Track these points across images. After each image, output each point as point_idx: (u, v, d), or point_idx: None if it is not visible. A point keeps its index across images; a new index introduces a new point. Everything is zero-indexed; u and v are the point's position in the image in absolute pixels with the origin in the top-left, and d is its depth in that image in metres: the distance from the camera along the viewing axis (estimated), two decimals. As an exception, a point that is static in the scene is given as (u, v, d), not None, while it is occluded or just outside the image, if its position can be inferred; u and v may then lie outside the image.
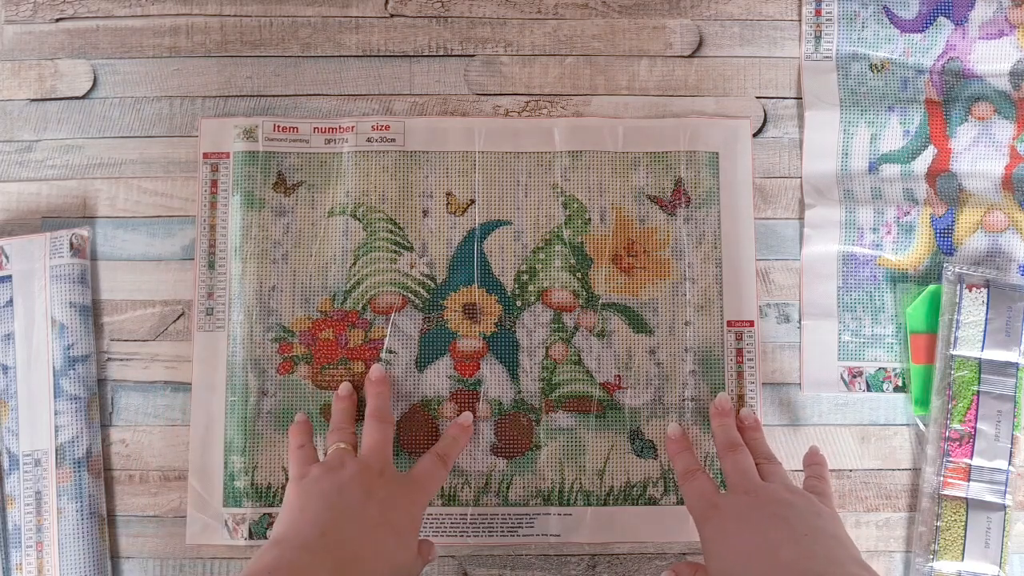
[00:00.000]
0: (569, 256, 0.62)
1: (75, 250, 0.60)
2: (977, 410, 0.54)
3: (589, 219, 0.62)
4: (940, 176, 0.56)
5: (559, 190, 0.62)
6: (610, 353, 0.61)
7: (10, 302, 0.60)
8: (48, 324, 0.59)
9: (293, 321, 0.61)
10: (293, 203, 0.61)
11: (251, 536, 0.59)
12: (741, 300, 0.61)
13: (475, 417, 0.61)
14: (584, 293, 0.62)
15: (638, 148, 0.62)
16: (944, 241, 0.56)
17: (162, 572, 0.58)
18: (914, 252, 0.56)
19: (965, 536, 0.55)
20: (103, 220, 0.62)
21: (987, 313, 0.53)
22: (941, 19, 0.55)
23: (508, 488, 0.60)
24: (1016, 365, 0.54)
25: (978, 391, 0.54)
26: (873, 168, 0.58)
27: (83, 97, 0.63)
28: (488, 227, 0.62)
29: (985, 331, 0.53)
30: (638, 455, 0.61)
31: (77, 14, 0.63)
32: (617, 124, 0.63)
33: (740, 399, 0.60)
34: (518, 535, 0.60)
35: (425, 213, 0.62)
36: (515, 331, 0.61)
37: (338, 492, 0.51)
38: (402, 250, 0.62)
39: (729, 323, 0.61)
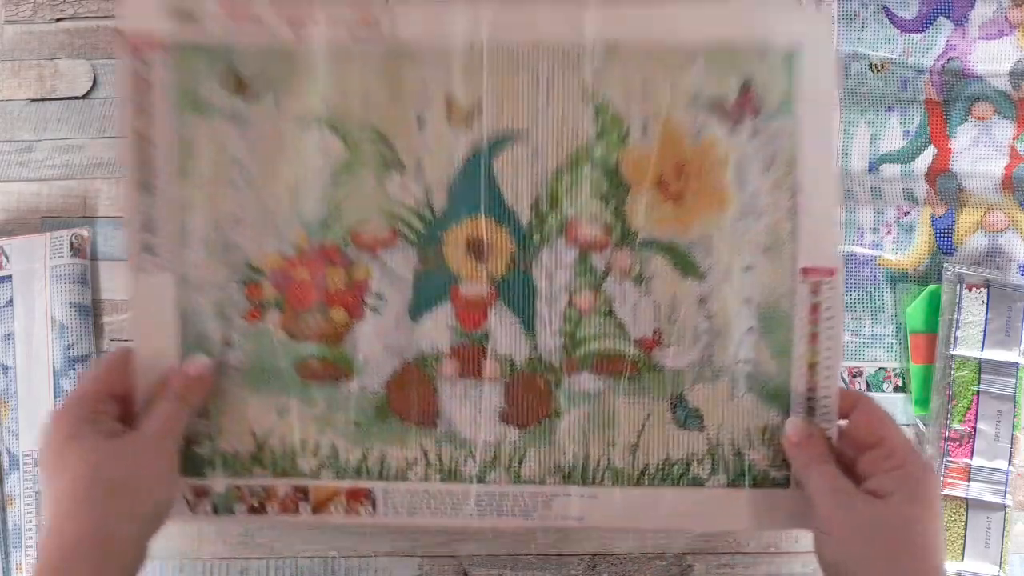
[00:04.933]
0: (601, 180, 0.49)
1: (75, 250, 0.60)
2: (977, 410, 0.54)
3: (627, 132, 0.48)
4: (940, 176, 0.56)
5: (589, 94, 0.48)
6: (649, 302, 0.49)
7: (10, 302, 0.60)
8: (48, 324, 0.60)
9: (263, 259, 0.50)
10: (252, 109, 0.49)
11: (216, 512, 0.51)
12: (820, 241, 0.48)
13: (480, 377, 0.50)
14: (618, 227, 0.49)
15: (695, 38, 0.48)
16: (944, 241, 0.56)
17: (162, 572, 0.58)
18: (914, 252, 0.56)
19: (965, 536, 0.56)
20: (103, 220, 0.61)
21: (987, 313, 0.54)
22: (941, 19, 0.55)
23: (521, 463, 0.50)
24: (1016, 365, 0.54)
25: (978, 391, 0.54)
26: (873, 168, 0.58)
27: (83, 97, 0.62)
28: (499, 142, 0.49)
29: (985, 331, 0.54)
30: (680, 426, 0.50)
31: (77, 14, 0.62)
32: (668, 7, 0.48)
33: (811, 368, 0.48)
34: (532, 518, 0.50)
35: (420, 124, 0.49)
36: (531, 274, 0.49)
37: None
38: (392, 171, 0.49)
39: (803, 271, 0.48)
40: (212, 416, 0.50)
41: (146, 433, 0.46)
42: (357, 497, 0.50)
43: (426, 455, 0.50)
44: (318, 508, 0.51)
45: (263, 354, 0.50)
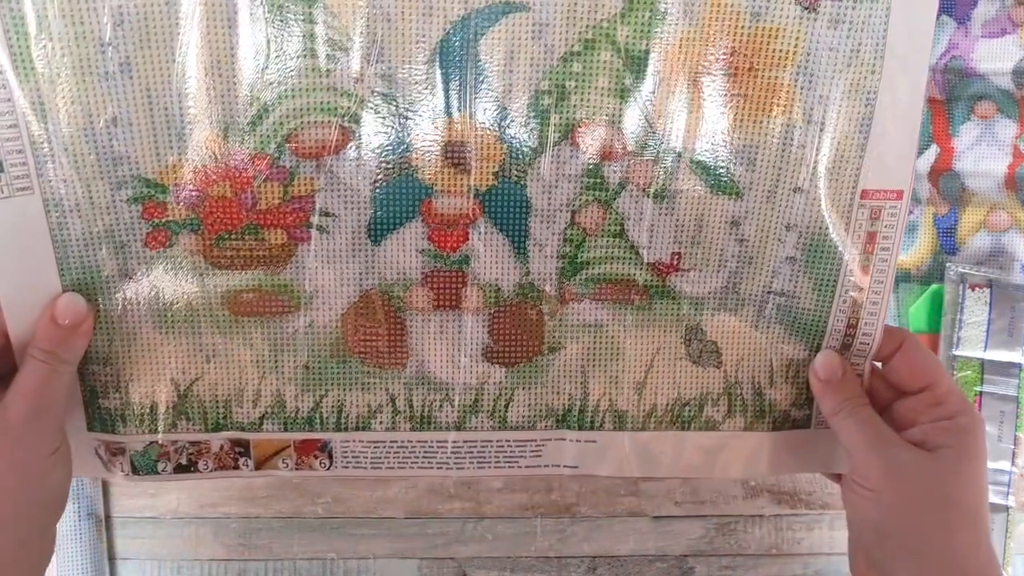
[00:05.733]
0: (622, 71, 0.37)
1: None
2: (980, 411, 0.53)
3: (664, 10, 0.36)
4: (943, 175, 0.55)
5: (615, -51, 0.35)
6: (670, 222, 0.40)
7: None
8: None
9: (161, 171, 0.37)
10: None
11: (135, 472, 0.41)
12: (893, 159, 0.38)
13: (459, 308, 0.41)
14: (641, 132, 0.38)
15: None
16: (947, 241, 0.56)
17: (160, 573, 0.55)
18: (916, 252, 0.56)
19: None
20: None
21: (990, 313, 0.54)
22: (943, 17, 0.54)
23: (507, 407, 0.42)
24: (1019, 365, 0.54)
25: (981, 391, 0.54)
26: None
27: None
28: (488, 14, 0.36)
29: (988, 331, 0.54)
30: (694, 362, 0.42)
31: None
32: None
33: (855, 304, 0.41)
34: (519, 466, 0.43)
35: (377, -17, 0.35)
36: (525, 184, 0.39)
37: None
38: (338, 52, 0.36)
39: (864, 192, 0.39)
40: (115, 362, 0.39)
41: (9, 408, 0.36)
42: (309, 450, 0.42)
43: (393, 401, 0.42)
44: (262, 463, 0.42)
45: (179, 287, 0.39)
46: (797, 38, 0.36)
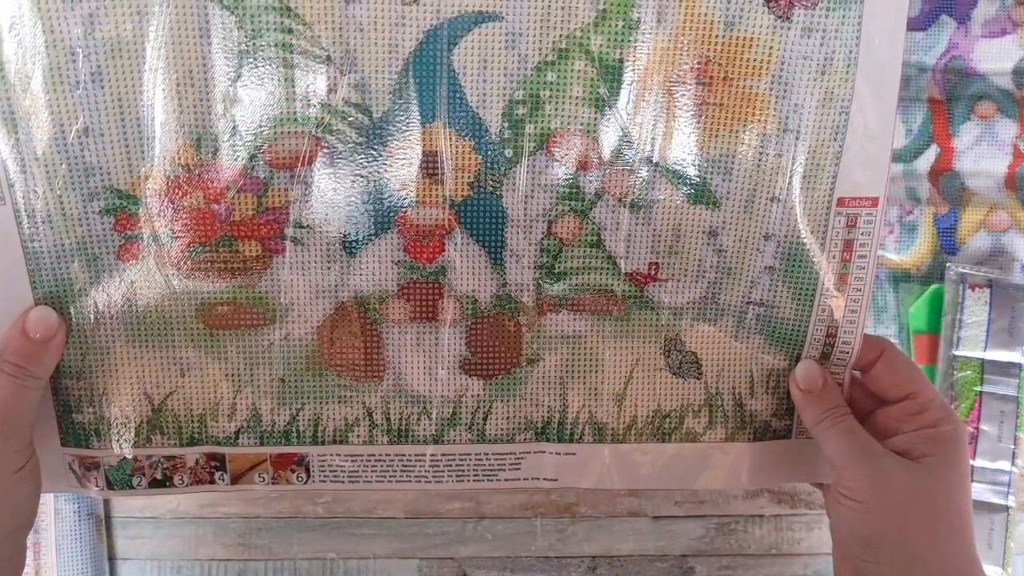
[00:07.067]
0: (597, 80, 0.37)
1: None
2: (980, 411, 0.53)
3: (638, 19, 0.36)
4: (943, 175, 0.55)
5: (587, -42, 0.35)
6: (647, 233, 0.40)
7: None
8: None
9: (133, 182, 0.37)
10: None
11: (110, 486, 0.41)
12: (867, 166, 0.38)
13: (436, 320, 0.40)
14: (617, 142, 0.38)
15: None
16: (947, 241, 0.56)
17: (160, 573, 0.56)
18: (917, 252, 0.56)
19: None
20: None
21: (990, 313, 0.54)
22: (944, 17, 0.54)
23: (486, 419, 0.42)
24: (1019, 365, 0.54)
25: (981, 391, 0.54)
26: None
27: None
28: (462, 24, 0.36)
29: (988, 331, 0.54)
30: (674, 373, 0.42)
31: None
32: None
33: (834, 313, 0.40)
34: (499, 479, 0.43)
35: (349, -4, 0.35)
36: (500, 195, 0.39)
37: None
38: (313, 63, 0.36)
39: (840, 200, 0.39)
40: (88, 376, 0.39)
41: None
42: (286, 464, 0.42)
43: (370, 414, 0.41)
44: (238, 478, 0.42)
45: (152, 300, 0.38)
46: (771, 47, 0.36)
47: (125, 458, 0.40)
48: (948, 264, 0.55)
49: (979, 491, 0.53)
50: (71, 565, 0.53)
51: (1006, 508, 0.53)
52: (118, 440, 0.40)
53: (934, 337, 0.55)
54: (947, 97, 0.55)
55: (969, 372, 0.54)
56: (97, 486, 0.41)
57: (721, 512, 0.54)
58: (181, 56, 0.35)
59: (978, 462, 0.53)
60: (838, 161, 0.38)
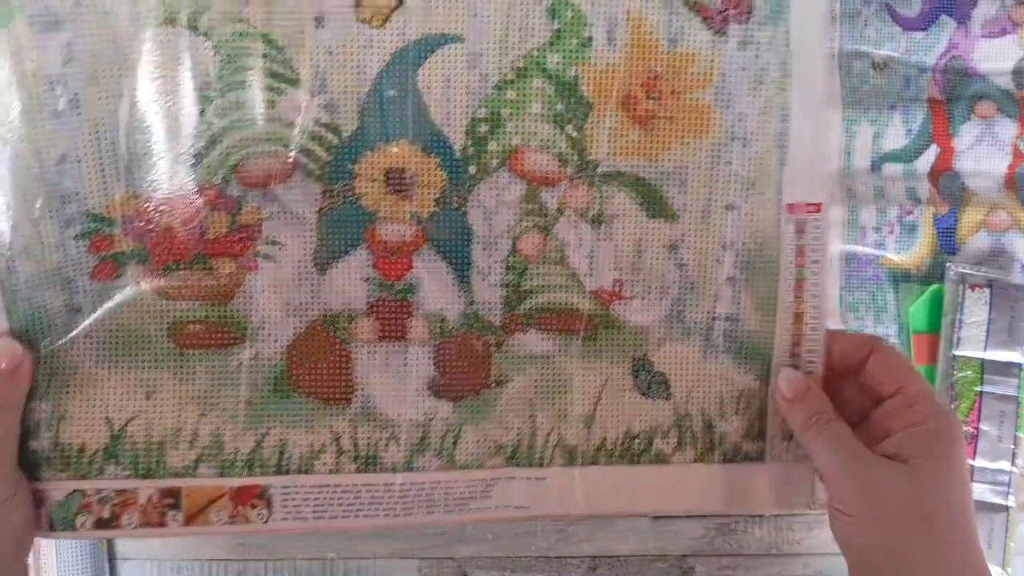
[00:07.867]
0: (554, 98, 0.39)
1: None
2: (980, 411, 0.54)
3: (590, 38, 0.39)
4: (943, 175, 0.56)
5: (542, -13, 0.39)
6: (609, 248, 0.41)
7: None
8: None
9: (108, 204, 0.38)
10: (71, 5, 0.36)
11: (52, 528, 0.39)
12: (809, 173, 0.40)
13: (405, 340, 0.41)
14: (575, 156, 0.40)
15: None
16: (947, 241, 0.56)
17: (160, 573, 0.56)
18: (917, 252, 0.56)
19: None
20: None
21: (990, 313, 0.54)
22: (944, 17, 0.55)
23: (455, 444, 0.41)
24: (1019, 365, 0.54)
25: (981, 391, 0.54)
26: (875, 167, 0.57)
27: None
28: (425, 46, 0.39)
29: (988, 331, 0.54)
30: (643, 394, 0.42)
31: None
32: None
33: (797, 319, 0.41)
34: (469, 509, 0.42)
35: (319, 22, 0.38)
36: (466, 212, 0.40)
37: None
38: (283, 84, 0.38)
39: (789, 207, 0.40)
40: (52, 398, 0.38)
41: None
42: (246, 499, 0.40)
43: (337, 440, 0.41)
44: (193, 517, 0.40)
45: (124, 319, 0.39)
46: (712, 61, 0.39)
47: (73, 491, 0.39)
48: (948, 264, 0.55)
49: (979, 491, 0.53)
50: (71, 565, 0.54)
51: (1006, 508, 0.53)
52: (69, 469, 0.39)
53: (934, 337, 0.55)
54: (947, 97, 0.56)
55: (969, 372, 0.54)
56: (39, 527, 0.39)
57: (721, 512, 0.53)
58: (156, 81, 0.37)
59: (978, 462, 0.53)
60: (783, 168, 0.40)
